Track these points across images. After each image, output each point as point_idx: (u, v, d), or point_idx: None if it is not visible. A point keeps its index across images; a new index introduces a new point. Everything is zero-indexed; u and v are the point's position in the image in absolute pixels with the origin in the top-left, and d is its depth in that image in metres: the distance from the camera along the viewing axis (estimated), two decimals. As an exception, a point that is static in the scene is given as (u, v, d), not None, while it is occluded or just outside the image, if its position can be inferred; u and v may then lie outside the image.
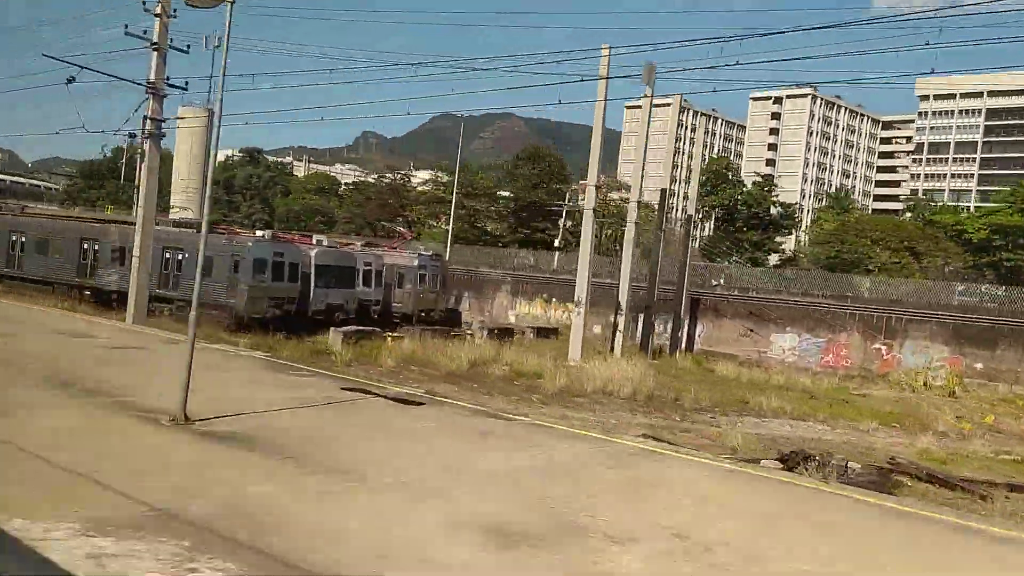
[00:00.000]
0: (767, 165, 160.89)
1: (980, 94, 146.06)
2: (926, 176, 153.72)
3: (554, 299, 42.39)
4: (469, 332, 33.36)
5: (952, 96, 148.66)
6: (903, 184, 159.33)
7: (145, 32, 25.01)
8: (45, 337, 20.87)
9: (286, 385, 16.44)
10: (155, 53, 25.02)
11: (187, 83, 25.69)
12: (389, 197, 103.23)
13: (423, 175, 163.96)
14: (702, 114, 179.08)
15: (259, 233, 36.59)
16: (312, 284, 36.96)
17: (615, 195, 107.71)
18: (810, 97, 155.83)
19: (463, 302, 46.07)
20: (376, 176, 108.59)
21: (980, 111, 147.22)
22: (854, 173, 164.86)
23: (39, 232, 40.32)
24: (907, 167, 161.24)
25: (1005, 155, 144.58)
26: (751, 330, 36.44)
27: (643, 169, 34.23)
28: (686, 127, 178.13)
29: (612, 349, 31.39)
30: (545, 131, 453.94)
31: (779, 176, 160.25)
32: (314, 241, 39.28)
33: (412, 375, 22.84)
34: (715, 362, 33.80)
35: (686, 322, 37.35)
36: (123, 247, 37.64)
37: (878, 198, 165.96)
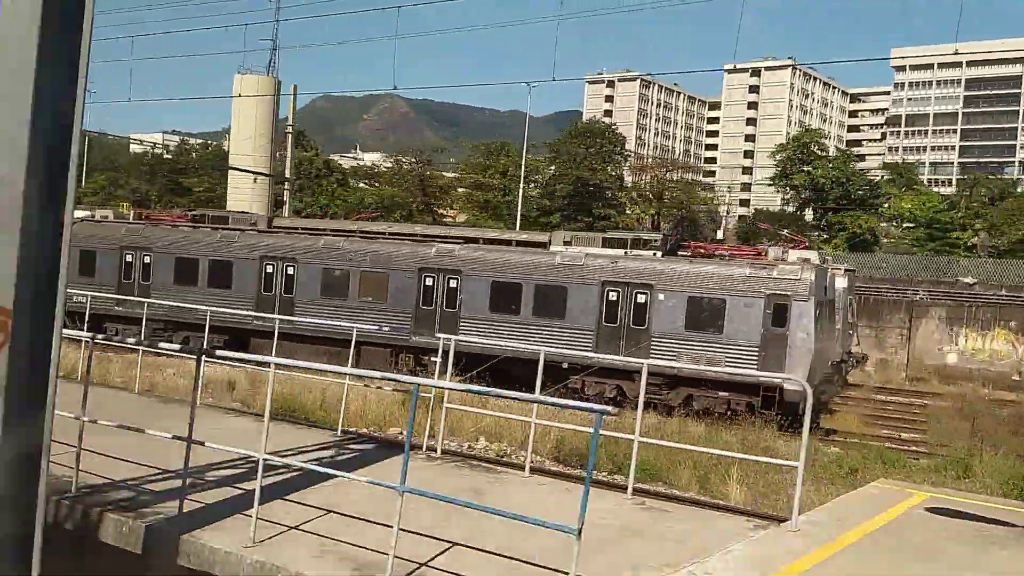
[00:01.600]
0: (746, 140, 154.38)
1: (959, 64, 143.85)
2: (904, 149, 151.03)
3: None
4: None
5: (929, 67, 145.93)
6: (869, 158, 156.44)
7: None
8: None
9: None
10: None
11: None
12: (416, 186, 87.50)
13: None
14: (666, 89, 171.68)
15: (815, 255, 22.45)
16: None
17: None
18: (790, 69, 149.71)
19: (838, 330, 33.22)
20: (393, 161, 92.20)
21: (959, 81, 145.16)
22: (828, 147, 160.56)
23: (331, 257, 24.49)
24: (878, 140, 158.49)
25: (985, 126, 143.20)
26: None
27: None
28: (651, 103, 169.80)
29: None
30: (429, 111, 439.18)
31: (759, 152, 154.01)
32: (778, 255, 24.69)
33: None
34: None
35: None
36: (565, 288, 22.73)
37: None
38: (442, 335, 22.05)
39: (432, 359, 23.63)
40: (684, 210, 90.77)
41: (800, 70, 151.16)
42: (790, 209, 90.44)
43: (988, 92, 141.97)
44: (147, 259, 26.22)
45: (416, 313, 23.79)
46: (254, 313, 24.63)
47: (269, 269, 25.05)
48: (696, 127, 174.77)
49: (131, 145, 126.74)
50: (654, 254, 22.14)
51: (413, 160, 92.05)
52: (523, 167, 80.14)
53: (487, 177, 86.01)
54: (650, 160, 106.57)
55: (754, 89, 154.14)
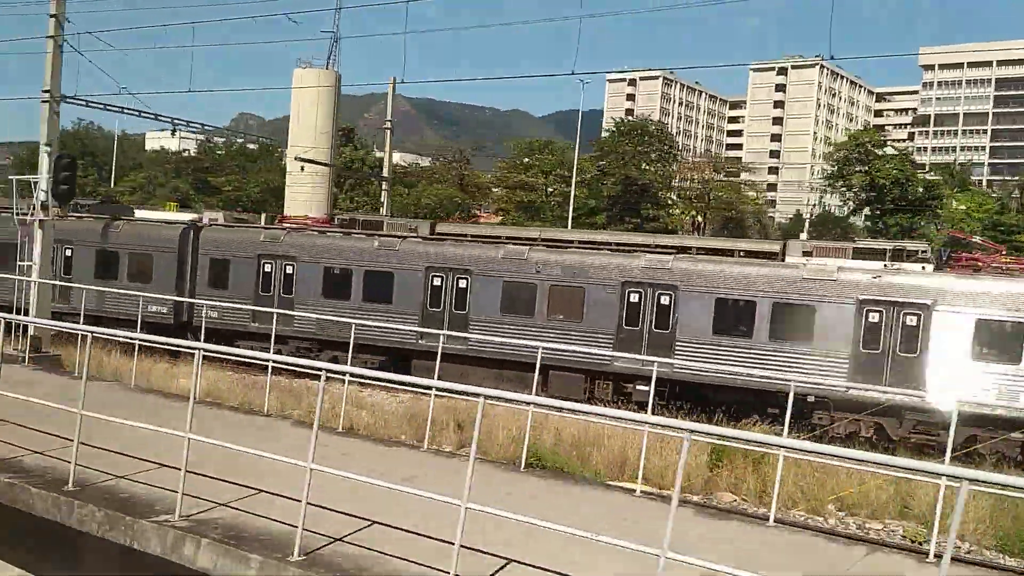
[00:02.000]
0: (772, 140, 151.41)
1: (989, 63, 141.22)
2: (932, 149, 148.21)
3: None
4: None
5: (959, 66, 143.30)
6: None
7: None
8: None
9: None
10: None
11: None
12: (455, 185, 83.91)
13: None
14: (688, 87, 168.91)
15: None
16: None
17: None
18: (818, 67, 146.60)
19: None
20: (430, 160, 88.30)
21: (989, 81, 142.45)
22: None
23: (512, 269, 20.86)
24: (905, 140, 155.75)
25: (1016, 127, 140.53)
26: None
27: None
28: (673, 101, 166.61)
29: None
30: (430, 110, 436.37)
31: (787, 153, 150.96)
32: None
33: None
34: None
35: None
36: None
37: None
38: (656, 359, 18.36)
39: (638, 386, 20.18)
40: (733, 211, 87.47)
41: (827, 69, 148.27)
42: (842, 212, 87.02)
43: (1019, 92, 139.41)
44: (289, 269, 22.61)
45: (618, 333, 20.28)
46: (419, 329, 21.13)
47: (436, 282, 21.46)
48: (718, 126, 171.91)
49: (146, 142, 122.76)
50: (922, 267, 18.70)
51: (452, 160, 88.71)
52: (575, 165, 76.84)
53: (530, 176, 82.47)
54: (700, 160, 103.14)
55: (780, 88, 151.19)
